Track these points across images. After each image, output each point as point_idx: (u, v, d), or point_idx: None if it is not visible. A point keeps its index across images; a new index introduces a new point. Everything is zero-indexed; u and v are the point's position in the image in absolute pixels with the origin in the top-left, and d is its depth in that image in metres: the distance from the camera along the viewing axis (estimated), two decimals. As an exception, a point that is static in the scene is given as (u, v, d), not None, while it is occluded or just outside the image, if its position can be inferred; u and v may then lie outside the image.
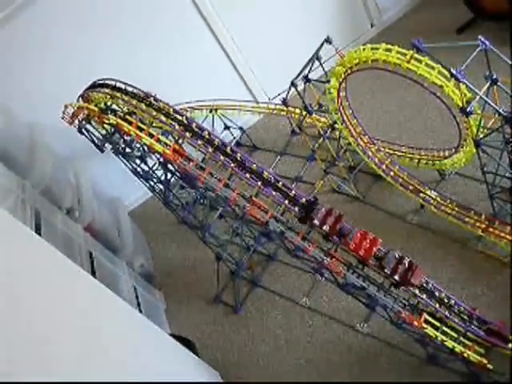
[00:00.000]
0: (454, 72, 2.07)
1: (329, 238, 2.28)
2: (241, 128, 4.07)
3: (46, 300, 1.56)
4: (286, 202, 2.35)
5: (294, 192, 2.37)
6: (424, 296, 2.24)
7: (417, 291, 2.22)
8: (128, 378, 1.68)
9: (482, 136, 2.28)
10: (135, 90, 2.68)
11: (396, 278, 2.12)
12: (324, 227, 2.24)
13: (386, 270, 2.14)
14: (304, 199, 2.35)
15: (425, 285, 2.25)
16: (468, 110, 2.16)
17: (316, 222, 2.25)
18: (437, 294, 2.28)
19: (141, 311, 2.98)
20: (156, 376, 1.95)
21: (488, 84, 2.11)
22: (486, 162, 2.42)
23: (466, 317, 2.26)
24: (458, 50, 2.06)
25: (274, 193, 2.36)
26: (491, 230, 2.62)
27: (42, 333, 1.41)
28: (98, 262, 2.88)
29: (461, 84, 2.10)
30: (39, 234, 2.45)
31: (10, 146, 2.82)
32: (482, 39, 2.07)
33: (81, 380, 1.41)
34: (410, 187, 2.96)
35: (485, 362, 2.17)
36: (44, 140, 3.22)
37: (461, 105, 2.18)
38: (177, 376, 2.21)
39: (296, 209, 2.33)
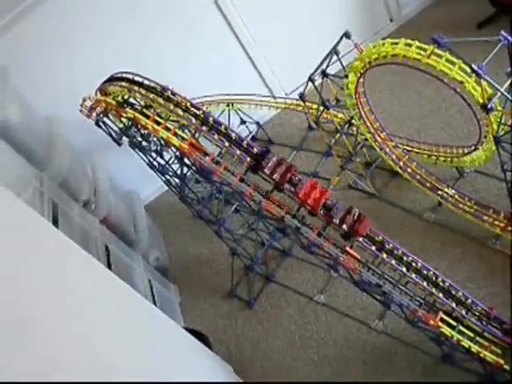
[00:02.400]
0: (475, 68, 2.04)
1: (279, 188, 2.32)
2: (257, 123, 4.05)
3: (62, 292, 1.58)
4: (238, 152, 2.41)
5: (246, 142, 2.44)
6: (440, 294, 2.22)
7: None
8: (141, 370, 1.69)
9: (502, 133, 2.24)
10: (153, 84, 2.68)
11: (344, 227, 2.18)
12: (274, 176, 2.29)
13: (334, 220, 2.20)
14: (255, 149, 2.41)
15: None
16: (489, 106, 2.12)
17: (266, 170, 2.31)
18: (453, 292, 2.26)
19: (155, 304, 3.00)
20: (169, 369, 1.95)
21: (510, 80, 2.07)
22: (506, 160, 2.38)
23: (483, 316, 2.23)
24: (479, 45, 2.03)
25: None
26: (510, 228, 2.58)
27: (58, 324, 1.42)
28: (113, 255, 2.90)
29: (482, 80, 2.07)
30: (56, 226, 2.47)
31: (27, 138, 2.84)
32: (505, 34, 2.03)
33: (94, 371, 1.41)
34: (428, 184, 2.92)
35: (501, 362, 2.14)
36: (62, 133, 3.24)
37: (482, 101, 2.14)
38: (190, 369, 2.21)
39: (248, 159, 2.40)
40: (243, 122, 3.97)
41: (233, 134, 2.48)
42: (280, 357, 2.93)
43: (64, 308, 1.52)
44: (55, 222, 2.53)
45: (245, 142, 2.46)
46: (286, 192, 2.34)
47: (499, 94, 2.09)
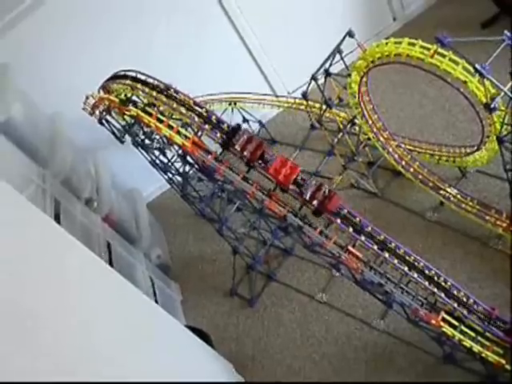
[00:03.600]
0: (478, 67, 2.03)
1: (250, 165, 2.35)
2: (260, 121, 4.05)
3: (63, 289, 1.58)
4: (207, 126, 2.44)
5: (215, 117, 2.47)
6: (442, 294, 2.21)
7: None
8: (142, 369, 1.70)
9: (505, 133, 2.23)
10: (155, 82, 2.68)
11: (314, 203, 2.20)
12: (245, 152, 2.31)
13: (304, 196, 2.22)
14: (226, 125, 2.43)
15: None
16: (492, 106, 2.11)
17: (237, 147, 2.33)
18: (455, 292, 2.25)
19: (157, 302, 3.00)
20: (170, 367, 1.96)
21: (513, 80, 2.07)
22: (508, 160, 2.38)
23: (484, 316, 2.22)
24: (483, 45, 2.02)
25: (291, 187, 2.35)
26: (512, 228, 2.58)
27: (59, 321, 1.43)
28: (115, 253, 2.91)
29: (485, 80, 2.06)
30: (58, 224, 2.47)
31: (30, 136, 2.84)
32: (508, 34, 2.02)
33: (96, 369, 1.42)
34: (430, 184, 2.92)
35: (503, 362, 2.14)
36: (64, 130, 3.25)
37: (485, 101, 2.14)
38: (191, 367, 2.22)
39: (218, 134, 2.43)
40: (246, 120, 3.96)
41: (203, 110, 2.52)
42: (281, 355, 2.93)
43: (65, 305, 1.52)
44: (57, 220, 2.54)
45: (214, 117, 2.48)
46: (258, 169, 2.37)
47: (502, 93, 2.08)
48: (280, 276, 3.25)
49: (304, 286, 3.13)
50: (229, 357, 2.93)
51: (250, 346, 3.06)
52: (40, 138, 2.97)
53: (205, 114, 2.53)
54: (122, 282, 2.10)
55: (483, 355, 2.15)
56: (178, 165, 2.95)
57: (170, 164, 2.97)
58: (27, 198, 2.27)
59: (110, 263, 2.79)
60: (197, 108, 2.56)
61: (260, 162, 2.35)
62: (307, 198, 2.23)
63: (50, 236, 1.82)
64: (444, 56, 2.15)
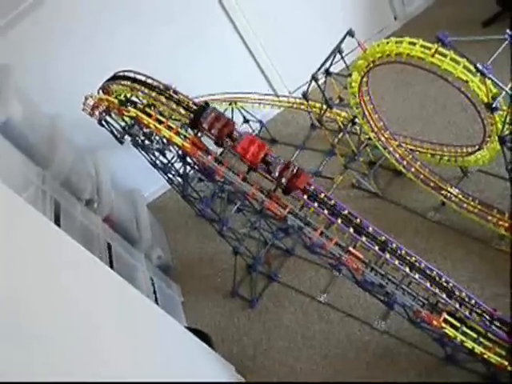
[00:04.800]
0: (480, 67, 2.02)
1: (219, 143, 2.36)
2: (260, 121, 4.04)
3: (63, 291, 1.57)
4: (174, 106, 2.45)
5: (180, 96, 2.49)
6: (444, 295, 2.20)
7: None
8: (143, 370, 1.69)
9: (507, 133, 2.22)
10: (155, 83, 2.67)
11: (283, 181, 2.22)
12: (212, 131, 2.33)
13: (272, 175, 2.24)
14: (193, 104, 2.45)
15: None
16: (494, 105, 2.10)
17: (205, 125, 2.34)
18: (457, 293, 2.24)
19: (157, 303, 3.00)
20: (171, 368, 1.95)
21: (515, 79, 2.06)
22: (510, 160, 2.36)
23: (486, 317, 2.21)
24: (484, 44, 2.01)
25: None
26: (514, 229, 2.57)
27: (59, 322, 1.42)
28: (116, 254, 2.90)
29: (487, 79, 2.05)
30: (58, 225, 2.47)
31: (30, 136, 2.84)
32: (510, 33, 2.01)
33: (96, 370, 1.41)
34: (432, 184, 2.91)
35: (505, 363, 2.13)
36: (64, 131, 3.24)
37: (486, 100, 2.13)
38: (192, 368, 2.21)
39: (182, 111, 2.45)
40: (246, 120, 3.96)
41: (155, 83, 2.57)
42: (282, 356, 2.92)
43: (65, 307, 1.51)
44: (57, 221, 2.53)
45: (180, 96, 2.50)
46: (227, 148, 2.38)
47: (504, 93, 2.07)
48: (281, 276, 3.24)
49: (305, 286, 3.12)
50: (230, 358, 2.92)
51: (250, 346, 3.05)
52: (40, 138, 2.97)
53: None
54: (122, 283, 2.10)
55: (485, 356, 2.14)
56: (177, 165, 2.94)
57: (169, 165, 2.96)
58: (27, 199, 2.27)
59: (111, 264, 2.79)
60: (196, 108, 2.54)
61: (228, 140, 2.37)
62: (276, 175, 2.25)
63: (49, 238, 1.82)
64: (445, 55, 2.14)
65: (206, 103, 2.45)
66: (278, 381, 2.84)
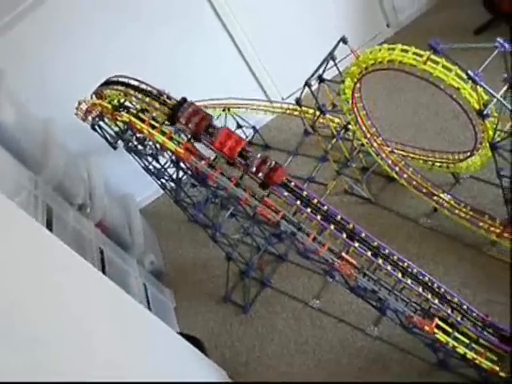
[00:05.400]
0: (471, 74, 2.04)
1: (196, 137, 2.38)
2: (253, 127, 4.05)
3: (55, 296, 1.56)
4: (168, 111, 2.46)
5: (173, 101, 2.48)
6: (436, 300, 2.21)
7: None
8: (135, 376, 1.68)
9: (498, 139, 2.24)
10: (148, 88, 2.67)
11: (260, 176, 2.25)
12: (190, 125, 2.35)
13: (250, 169, 2.26)
14: (171, 100, 2.47)
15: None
16: (485, 112, 2.12)
17: (182, 120, 2.36)
18: (449, 298, 2.25)
19: (150, 309, 2.99)
20: (164, 374, 1.94)
21: (506, 87, 2.07)
22: (502, 166, 2.38)
23: (478, 323, 2.22)
24: (476, 51, 2.02)
25: (285, 193, 2.35)
26: (506, 235, 2.58)
27: (51, 328, 1.41)
28: (108, 259, 2.89)
29: (478, 86, 2.07)
30: (50, 230, 2.46)
31: (23, 141, 2.83)
32: (501, 41, 2.03)
33: (87, 379, 1.40)
34: (424, 190, 2.92)
35: (497, 369, 2.13)
36: (57, 136, 3.23)
37: (478, 107, 2.14)
38: (184, 375, 2.20)
39: (161, 107, 2.47)
40: (239, 126, 3.96)
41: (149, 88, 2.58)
42: (275, 362, 2.92)
43: (57, 313, 1.51)
44: (49, 226, 2.52)
45: (174, 101, 2.49)
46: (205, 142, 2.39)
47: (495, 100, 2.09)
48: (274, 282, 3.24)
49: (298, 292, 3.12)
50: (222, 363, 2.91)
51: (243, 352, 3.05)
52: (32, 143, 2.96)
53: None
54: (114, 289, 2.09)
55: (477, 362, 2.15)
56: (171, 171, 2.94)
57: (163, 170, 2.96)
58: (19, 204, 2.26)
59: (103, 269, 2.77)
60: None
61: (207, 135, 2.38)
62: (253, 170, 2.27)
63: (41, 243, 1.81)
64: (437, 63, 2.16)
65: (184, 98, 2.45)
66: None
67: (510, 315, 2.34)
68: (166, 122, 2.48)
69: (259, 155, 2.29)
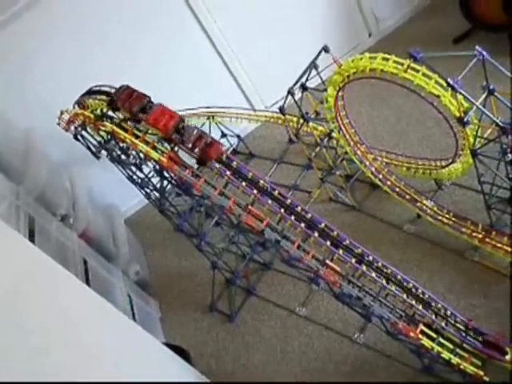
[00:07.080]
0: (451, 82, 2.07)
1: (133, 118, 2.43)
2: (238, 136, 4.06)
3: (38, 308, 1.54)
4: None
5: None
6: (420, 306, 2.23)
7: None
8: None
9: (479, 146, 2.28)
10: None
11: (196, 151, 2.28)
12: (125, 105, 2.41)
13: (186, 144, 2.29)
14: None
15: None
16: (465, 120, 2.15)
17: (119, 104, 2.44)
18: (433, 304, 2.27)
19: (135, 319, 2.96)
20: (149, 386, 1.92)
21: (485, 94, 2.11)
22: (483, 173, 2.42)
23: (462, 328, 2.24)
24: (455, 60, 2.06)
25: (269, 201, 2.35)
26: (488, 240, 2.61)
27: (34, 342, 1.39)
28: (92, 270, 2.86)
29: (458, 94, 2.10)
30: (33, 241, 2.43)
31: (4, 150, 2.80)
32: (479, 49, 2.07)
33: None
34: (407, 197, 2.95)
35: (481, 373, 2.15)
36: (39, 145, 3.20)
37: (458, 115, 2.18)
38: (170, 386, 2.18)
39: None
40: (224, 135, 3.97)
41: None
42: (261, 370, 2.90)
43: (39, 325, 1.49)
44: (31, 237, 2.49)
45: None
46: (140, 121, 2.43)
47: (475, 107, 2.12)
48: (259, 290, 3.23)
49: (283, 300, 3.12)
50: (208, 373, 2.88)
51: (230, 362, 3.03)
52: (13, 152, 2.93)
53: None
54: (98, 300, 2.07)
55: (461, 367, 2.16)
56: (155, 180, 2.92)
57: (146, 179, 2.94)
58: (0, 215, 2.23)
59: (87, 281, 2.74)
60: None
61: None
62: (189, 146, 2.29)
63: (23, 254, 1.79)
64: (417, 71, 2.19)
65: (127, 86, 2.52)
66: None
67: (510, 323, 2.35)
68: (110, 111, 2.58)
69: (195, 131, 2.32)
